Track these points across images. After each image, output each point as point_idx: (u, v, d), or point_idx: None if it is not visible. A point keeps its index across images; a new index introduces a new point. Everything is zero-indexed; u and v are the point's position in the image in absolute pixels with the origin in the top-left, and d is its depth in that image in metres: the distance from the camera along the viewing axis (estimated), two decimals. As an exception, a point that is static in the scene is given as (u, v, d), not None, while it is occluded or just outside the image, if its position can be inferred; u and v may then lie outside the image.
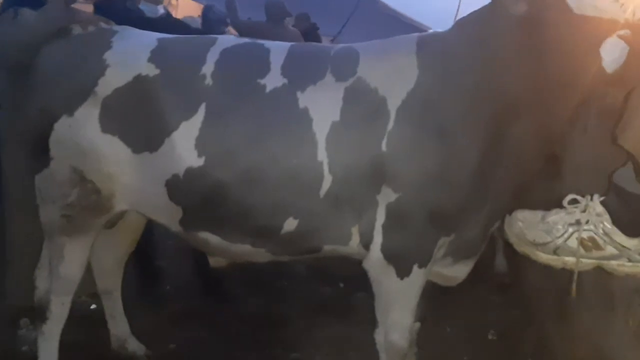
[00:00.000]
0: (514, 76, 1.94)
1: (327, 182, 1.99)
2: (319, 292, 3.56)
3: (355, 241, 2.08)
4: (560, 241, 1.96)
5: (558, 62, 1.88)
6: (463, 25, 2.21)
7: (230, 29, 5.07)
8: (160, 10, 3.50)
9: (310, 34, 6.34)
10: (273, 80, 2.05)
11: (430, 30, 2.31)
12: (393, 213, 1.99)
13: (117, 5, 3.39)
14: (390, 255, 2.04)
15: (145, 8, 3.39)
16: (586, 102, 2.10)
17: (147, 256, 3.31)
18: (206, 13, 4.79)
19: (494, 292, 3.39)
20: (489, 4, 2.09)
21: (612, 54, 1.82)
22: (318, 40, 6.76)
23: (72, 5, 2.75)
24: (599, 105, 2.20)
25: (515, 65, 1.95)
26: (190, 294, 3.48)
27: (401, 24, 11.98)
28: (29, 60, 2.21)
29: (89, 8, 3.40)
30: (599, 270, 1.97)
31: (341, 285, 3.61)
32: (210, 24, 4.63)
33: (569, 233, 1.95)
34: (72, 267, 2.27)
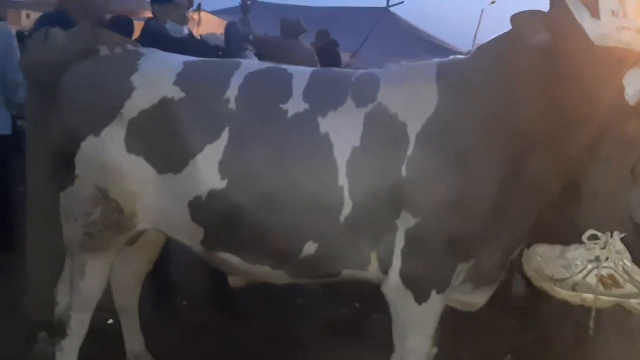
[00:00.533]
0: (533, 105, 1.95)
1: (347, 207, 2.00)
2: (335, 311, 3.56)
3: (373, 266, 2.09)
4: (579, 277, 1.95)
5: (577, 92, 1.88)
6: (483, 51, 2.22)
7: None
8: (185, 30, 3.54)
9: (329, 50, 6.39)
10: (295, 105, 2.08)
11: (450, 56, 2.30)
12: (412, 238, 2.00)
13: (144, 26, 3.45)
14: (409, 281, 2.05)
15: (171, 27, 3.43)
16: (606, 133, 2.09)
17: (163, 272, 3.34)
18: (229, 29, 4.85)
19: (511, 315, 3.36)
20: (509, 31, 2.09)
21: (635, 85, 1.80)
22: (337, 56, 6.80)
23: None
24: (618, 136, 2.19)
25: (533, 94, 1.95)
26: (205, 310, 3.50)
27: (420, 40, 12.04)
28: (56, 79, 2.25)
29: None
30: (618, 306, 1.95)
31: (357, 305, 3.61)
32: (233, 40, 4.69)
33: (588, 270, 1.93)
34: (92, 284, 2.30)
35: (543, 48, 1.91)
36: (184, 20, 3.52)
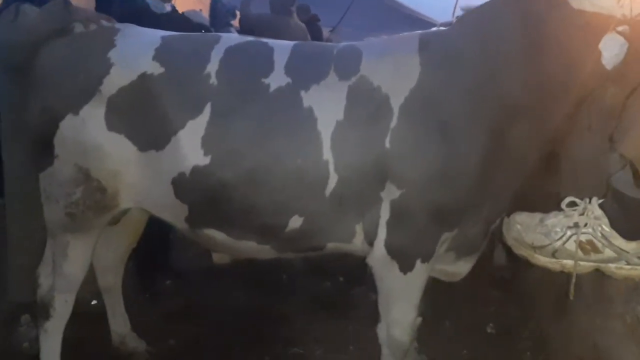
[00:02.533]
0: (515, 74, 1.96)
1: (332, 181, 2.00)
2: (319, 286, 3.58)
3: (359, 239, 2.11)
4: (558, 244, 1.98)
5: (557, 58, 1.90)
6: (464, 22, 2.22)
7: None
8: (168, 7, 3.48)
9: (311, 25, 6.33)
10: (277, 79, 2.06)
11: (432, 28, 2.30)
12: (397, 209, 2.02)
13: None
14: (394, 251, 2.07)
15: (152, 2, 3.37)
16: (587, 101, 2.11)
17: (145, 251, 3.31)
18: (214, 5, 4.77)
19: (493, 286, 3.42)
20: (490, 1, 2.10)
21: (611, 49, 1.83)
22: (319, 31, 6.74)
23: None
24: (599, 105, 2.22)
25: (516, 62, 1.96)
26: (189, 288, 3.50)
27: (400, 14, 11.99)
28: (30, 59, 2.19)
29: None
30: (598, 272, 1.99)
31: (341, 279, 3.63)
32: (219, 16, 4.61)
33: (567, 236, 1.97)
34: (75, 265, 2.27)
35: (524, 14, 1.92)
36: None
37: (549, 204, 2.11)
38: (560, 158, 2.54)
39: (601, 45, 1.83)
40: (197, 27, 3.72)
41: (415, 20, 11.53)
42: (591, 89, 2.00)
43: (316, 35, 6.51)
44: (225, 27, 4.45)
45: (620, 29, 1.81)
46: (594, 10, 1.82)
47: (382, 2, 12.25)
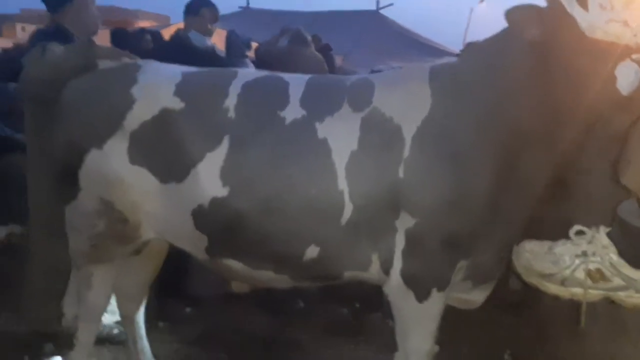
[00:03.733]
0: (524, 102, 2.00)
1: (348, 210, 2.04)
2: (335, 312, 3.60)
3: (375, 267, 2.13)
4: (567, 272, 2.00)
5: (568, 85, 1.92)
6: (475, 52, 2.27)
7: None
8: (208, 42, 3.64)
9: (323, 54, 6.43)
10: (292, 112, 2.12)
11: (444, 58, 2.36)
12: (412, 238, 2.05)
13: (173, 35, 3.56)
14: (410, 280, 2.09)
15: (193, 37, 3.53)
16: (597, 127, 2.14)
17: (165, 279, 3.36)
18: (230, 37, 4.90)
19: (509, 311, 3.40)
20: (501, 31, 2.13)
21: (627, 76, 1.85)
22: (332, 60, 6.85)
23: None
24: (605, 132, 2.24)
25: (524, 91, 2.00)
26: (207, 316, 3.53)
27: (410, 41, 12.14)
28: (56, 94, 2.29)
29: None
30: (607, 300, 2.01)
31: (357, 305, 3.64)
32: (235, 48, 4.74)
33: (576, 264, 1.98)
34: (99, 295, 2.34)
35: (536, 43, 1.96)
36: (205, 32, 3.62)
37: (561, 230, 2.13)
38: (571, 184, 2.55)
39: (617, 71, 1.86)
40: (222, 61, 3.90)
41: (425, 47, 11.67)
42: (602, 115, 2.03)
43: (329, 63, 6.63)
44: (241, 58, 4.56)
45: (634, 56, 1.84)
46: (608, 39, 1.86)
47: (393, 29, 12.42)
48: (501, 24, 2.05)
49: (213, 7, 3.77)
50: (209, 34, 3.69)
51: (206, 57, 3.43)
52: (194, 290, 3.70)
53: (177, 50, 2.58)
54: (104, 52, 2.39)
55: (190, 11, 3.73)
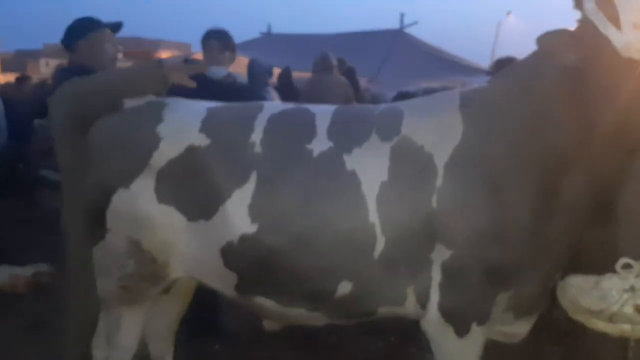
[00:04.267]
0: (564, 127, 1.94)
1: (380, 244, 1.98)
2: (371, 347, 3.49)
3: (411, 301, 2.06)
4: (615, 308, 1.92)
5: (607, 107, 1.87)
6: (506, 76, 2.22)
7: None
8: (224, 71, 3.64)
9: (347, 78, 6.44)
10: (320, 144, 2.08)
11: (474, 85, 2.30)
12: (448, 271, 1.98)
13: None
14: (448, 314, 2.01)
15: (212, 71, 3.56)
16: (635, 149, 2.05)
17: (195, 316, 3.32)
18: (251, 66, 4.94)
19: (555, 341, 3.26)
20: (533, 53, 2.08)
21: None
22: (356, 83, 6.86)
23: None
24: None
25: (560, 114, 1.94)
26: (238, 353, 3.47)
27: (437, 59, 12.08)
28: (83, 134, 2.28)
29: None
30: None
31: (393, 338, 3.54)
32: (257, 76, 4.78)
33: (624, 299, 1.91)
34: (129, 337, 2.30)
35: (572, 66, 1.90)
36: (214, 63, 3.63)
37: (608, 257, 2.03)
38: (617, 208, 2.45)
39: None
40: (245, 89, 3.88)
41: (454, 65, 11.59)
42: None
43: (354, 86, 6.62)
44: (264, 87, 4.58)
45: None
46: None
47: (419, 48, 12.37)
48: (529, 36, 2.01)
49: (221, 36, 3.70)
50: (223, 63, 3.64)
51: (227, 89, 3.38)
52: (223, 327, 3.65)
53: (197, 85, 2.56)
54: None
55: (202, 43, 3.71)
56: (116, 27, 3.20)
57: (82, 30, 3.02)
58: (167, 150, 2.14)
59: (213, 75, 3.58)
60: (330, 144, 2.08)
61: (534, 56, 2.07)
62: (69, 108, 2.47)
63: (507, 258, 1.96)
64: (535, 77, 2.01)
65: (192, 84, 2.43)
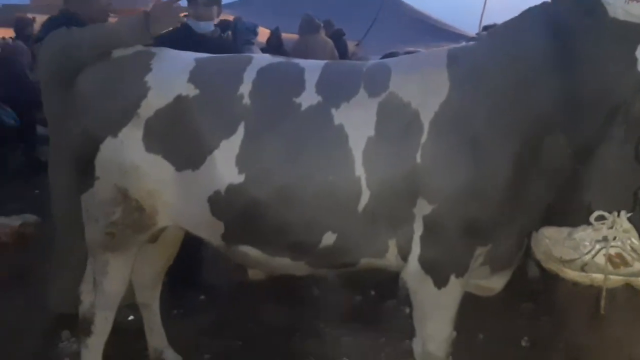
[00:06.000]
0: (546, 86, 1.96)
1: (365, 197, 2.02)
2: (351, 300, 3.59)
3: (392, 254, 2.12)
4: (587, 258, 1.97)
5: (590, 67, 1.89)
6: (494, 36, 2.23)
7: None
8: (211, 26, 3.63)
9: (336, 39, 6.41)
10: (308, 98, 2.10)
11: (462, 43, 2.32)
12: (430, 225, 2.03)
13: None
14: (428, 266, 2.07)
15: (193, 24, 3.54)
16: (618, 111, 2.09)
17: (180, 267, 3.37)
18: (236, 24, 4.90)
19: (527, 298, 3.39)
20: (520, 14, 2.10)
21: None
22: (344, 45, 6.82)
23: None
24: (626, 114, 2.19)
25: (546, 74, 1.96)
26: (222, 304, 3.54)
27: (427, 26, 12.01)
28: (71, 81, 2.27)
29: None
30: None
31: (372, 292, 3.64)
32: (241, 34, 4.75)
33: (596, 250, 1.95)
34: (115, 283, 2.34)
35: (556, 26, 1.92)
36: (202, 17, 3.62)
37: (580, 215, 2.09)
38: (591, 169, 2.51)
39: (637, 53, 1.82)
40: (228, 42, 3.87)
41: (441, 32, 11.54)
42: (625, 98, 1.99)
43: (341, 49, 6.58)
44: (247, 44, 4.56)
45: None
46: (628, 19, 1.81)
47: (408, 15, 12.29)
48: (518, 7, 2.01)
49: None
50: (207, 18, 3.63)
51: (211, 43, 3.37)
52: (208, 278, 3.72)
53: (180, 38, 2.55)
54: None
55: None
56: None
57: None
58: (155, 100, 2.14)
59: (199, 30, 3.56)
60: (319, 98, 2.09)
61: (520, 16, 2.09)
62: (56, 57, 2.46)
63: (486, 214, 2.01)
64: (518, 36, 2.03)
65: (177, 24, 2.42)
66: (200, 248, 3.38)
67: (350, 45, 7.37)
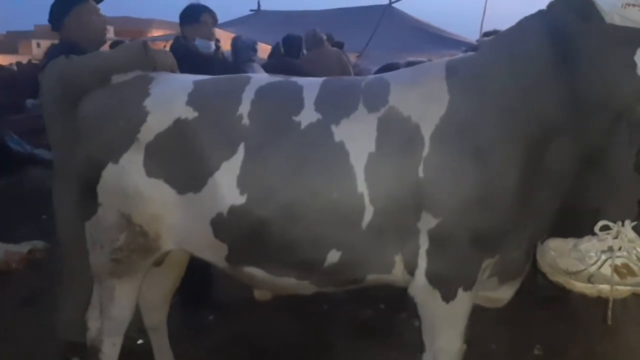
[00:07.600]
0: (547, 92, 1.95)
1: (368, 213, 2.01)
2: (360, 315, 3.57)
3: (398, 269, 2.10)
4: (593, 269, 1.95)
5: (590, 73, 1.89)
6: (493, 45, 2.22)
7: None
8: (213, 46, 3.73)
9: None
10: (307, 116, 2.09)
11: (459, 54, 2.31)
12: (435, 238, 2.01)
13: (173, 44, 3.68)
14: (435, 280, 2.05)
15: (200, 44, 3.64)
16: (623, 115, 2.08)
17: (189, 287, 3.37)
18: (235, 43, 4.93)
19: (538, 306, 3.35)
20: (517, 23, 2.09)
21: None
22: (345, 57, 6.86)
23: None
24: (628, 120, 2.17)
25: (547, 81, 1.96)
26: (231, 322, 3.53)
27: (426, 34, 12.01)
28: (72, 109, 2.29)
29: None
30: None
31: (382, 306, 3.62)
32: (240, 52, 4.79)
33: (602, 260, 1.94)
34: (122, 309, 2.33)
35: (556, 33, 1.91)
36: (210, 37, 3.73)
37: (589, 223, 2.07)
38: (600, 175, 2.49)
39: (636, 57, 1.82)
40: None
41: (442, 39, 11.52)
42: (627, 102, 1.97)
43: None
44: (248, 62, 4.59)
45: None
46: (625, 24, 1.81)
47: (408, 24, 12.29)
48: (517, 11, 2.00)
49: (213, 13, 3.84)
50: (214, 39, 3.75)
51: (215, 63, 3.44)
52: (217, 297, 3.71)
53: (182, 58, 2.58)
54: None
55: (191, 19, 3.76)
56: None
57: (64, 7, 2.99)
58: (154, 124, 2.14)
59: (205, 50, 3.63)
60: (318, 115, 2.09)
61: (520, 23, 2.08)
62: (58, 84, 2.48)
63: (493, 225, 1.99)
64: (518, 44, 2.03)
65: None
66: (210, 267, 3.37)
67: (352, 57, 7.38)
